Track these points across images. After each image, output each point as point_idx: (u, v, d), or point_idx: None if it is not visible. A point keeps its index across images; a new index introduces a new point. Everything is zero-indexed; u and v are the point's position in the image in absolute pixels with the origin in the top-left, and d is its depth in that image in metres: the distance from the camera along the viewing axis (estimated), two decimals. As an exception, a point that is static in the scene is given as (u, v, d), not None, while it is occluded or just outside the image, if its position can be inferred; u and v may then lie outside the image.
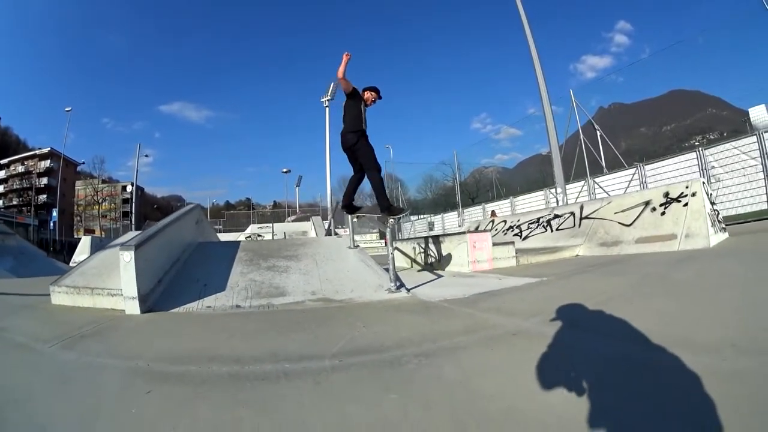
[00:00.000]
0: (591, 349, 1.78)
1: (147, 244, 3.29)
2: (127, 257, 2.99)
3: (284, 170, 48.19)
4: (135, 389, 1.58)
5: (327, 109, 25.53)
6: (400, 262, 6.85)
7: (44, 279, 5.65)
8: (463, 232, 6.33)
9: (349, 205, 4.87)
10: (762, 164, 11.00)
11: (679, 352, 1.57)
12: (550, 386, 1.40)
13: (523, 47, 12.56)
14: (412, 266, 6.70)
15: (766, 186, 10.85)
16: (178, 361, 1.92)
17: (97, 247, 12.38)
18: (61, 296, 3.58)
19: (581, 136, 17.19)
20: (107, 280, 3.47)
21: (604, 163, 21.32)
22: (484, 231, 6.42)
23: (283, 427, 1.23)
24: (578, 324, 2.22)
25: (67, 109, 35.92)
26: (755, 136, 11.25)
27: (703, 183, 6.40)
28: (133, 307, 3.04)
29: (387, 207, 4.47)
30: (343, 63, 4.27)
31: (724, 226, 7.08)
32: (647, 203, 6.67)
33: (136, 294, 3.01)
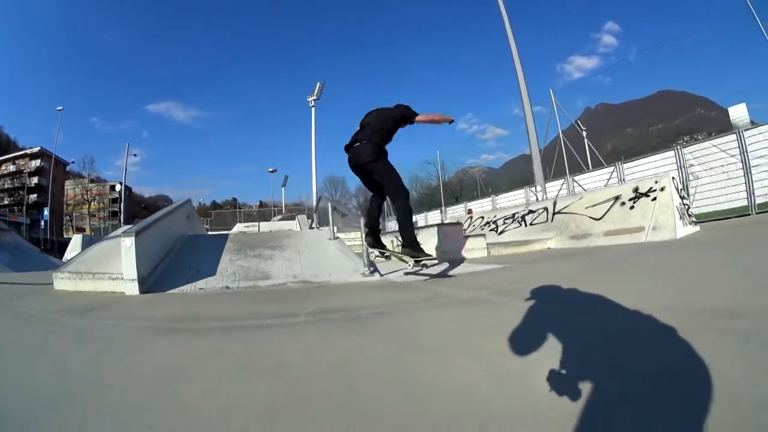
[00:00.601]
0: (531, 310, 2.11)
1: (145, 232, 3.69)
2: (128, 243, 3.38)
3: (270, 170, 48.45)
4: (143, 338, 1.99)
5: (313, 109, 25.77)
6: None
7: (42, 273, 5.97)
8: (436, 225, 6.75)
9: (375, 236, 4.32)
10: (742, 162, 11.16)
11: (608, 314, 1.88)
12: (484, 334, 1.80)
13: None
14: (390, 258, 7.11)
15: (746, 183, 11.00)
16: (177, 321, 2.34)
17: (88, 244, 12.62)
18: (63, 282, 3.92)
19: (560, 135, 17.81)
20: (107, 265, 3.84)
21: (590, 162, 22.01)
22: (456, 223, 6.85)
23: (263, 354, 1.65)
24: (526, 294, 2.43)
25: (58, 108, 36.02)
26: (735, 134, 11.43)
27: (673, 178, 6.67)
28: (132, 289, 3.42)
29: (410, 243, 3.91)
30: (432, 118, 4.02)
31: (695, 219, 7.37)
32: (617, 198, 6.96)
33: (135, 276, 3.40)
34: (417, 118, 4.01)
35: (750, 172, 10.91)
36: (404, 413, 1.08)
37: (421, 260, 4.04)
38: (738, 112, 17.84)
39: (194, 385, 1.32)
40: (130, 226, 4.63)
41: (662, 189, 6.38)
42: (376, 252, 4.43)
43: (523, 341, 1.55)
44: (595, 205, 7.33)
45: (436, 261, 4.11)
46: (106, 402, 1.22)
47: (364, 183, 4.20)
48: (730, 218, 10.10)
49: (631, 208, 6.69)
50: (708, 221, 9.35)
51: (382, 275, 4.38)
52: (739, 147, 11.22)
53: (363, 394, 1.21)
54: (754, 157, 10.92)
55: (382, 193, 4.15)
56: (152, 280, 3.71)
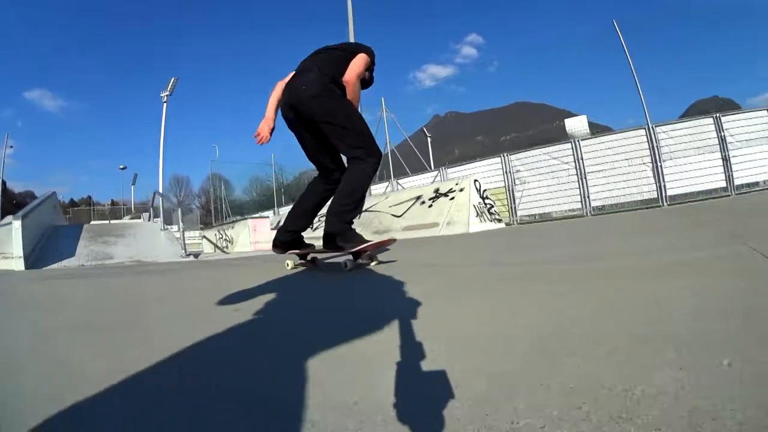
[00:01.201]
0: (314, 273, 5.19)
1: (28, 217, 5.86)
2: (17, 225, 5.49)
3: (121, 167, 47.59)
4: (33, 282, 4.57)
5: (165, 105, 25.14)
6: (208, 248, 9.51)
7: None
8: (246, 218, 9.39)
9: (296, 240, 3.04)
10: (576, 168, 12.09)
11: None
12: (242, 276, 4.78)
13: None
14: (215, 251, 9.71)
15: (579, 189, 12.10)
16: (54, 276, 4.90)
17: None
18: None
19: (387, 139, 20.99)
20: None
21: (433, 167, 26.16)
22: (263, 218, 9.67)
23: (102, 285, 4.40)
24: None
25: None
26: (570, 143, 12.46)
27: (475, 181, 7.59)
28: (19, 265, 5.47)
29: (342, 230, 2.60)
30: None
31: (498, 218, 8.55)
32: (418, 198, 8.00)
33: (22, 254, 5.56)
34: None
35: (585, 179, 12.04)
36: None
37: (365, 254, 2.77)
38: (575, 124, 20.58)
39: (66, 293, 4.02)
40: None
41: (461, 190, 7.28)
42: (292, 262, 3.20)
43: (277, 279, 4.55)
44: (398, 204, 8.37)
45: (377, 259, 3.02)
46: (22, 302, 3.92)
47: (305, 148, 2.85)
48: (562, 219, 11.68)
49: (430, 206, 7.68)
50: (540, 221, 11.59)
51: (196, 256, 7.19)
52: (573, 155, 12.25)
53: (152, 296, 4.08)
54: (589, 164, 12.03)
55: (332, 166, 2.82)
56: (32, 259, 5.93)
